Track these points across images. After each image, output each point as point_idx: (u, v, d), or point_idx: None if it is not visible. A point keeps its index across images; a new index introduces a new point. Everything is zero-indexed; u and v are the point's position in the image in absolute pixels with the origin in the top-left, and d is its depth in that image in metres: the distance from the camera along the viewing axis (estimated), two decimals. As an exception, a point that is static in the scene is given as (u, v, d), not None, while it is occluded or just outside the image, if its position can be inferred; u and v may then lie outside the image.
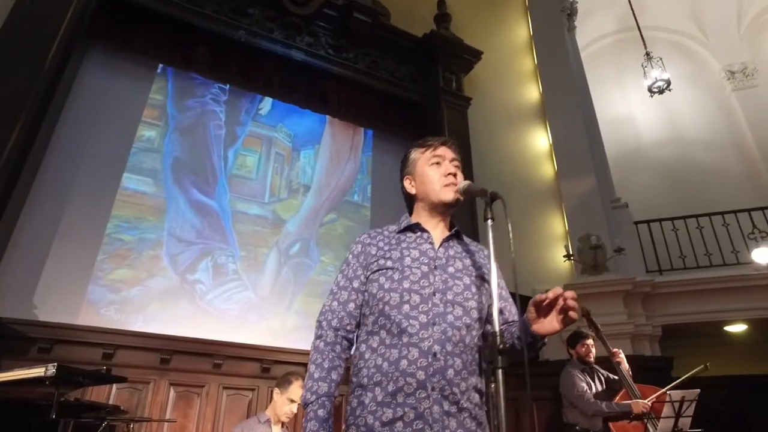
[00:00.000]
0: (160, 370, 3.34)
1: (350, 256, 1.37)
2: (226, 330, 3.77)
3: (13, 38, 3.37)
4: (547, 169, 5.63)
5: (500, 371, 0.96)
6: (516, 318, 1.32)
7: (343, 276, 1.35)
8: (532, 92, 6.10)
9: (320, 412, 1.16)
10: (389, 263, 1.29)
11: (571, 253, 4.86)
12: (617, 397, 3.08)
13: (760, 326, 5.11)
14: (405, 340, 1.18)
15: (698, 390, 2.69)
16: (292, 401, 2.65)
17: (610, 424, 3.00)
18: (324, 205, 4.86)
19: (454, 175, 1.36)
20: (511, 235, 1.04)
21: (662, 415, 2.72)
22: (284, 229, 4.51)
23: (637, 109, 8.13)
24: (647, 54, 6.17)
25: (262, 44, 4.75)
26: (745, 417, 4.83)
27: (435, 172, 1.36)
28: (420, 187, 1.39)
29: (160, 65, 4.48)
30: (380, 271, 1.29)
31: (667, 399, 2.70)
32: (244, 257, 4.19)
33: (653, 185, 7.38)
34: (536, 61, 6.19)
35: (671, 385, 2.93)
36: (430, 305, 1.21)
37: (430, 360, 1.15)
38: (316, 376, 1.21)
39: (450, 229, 1.39)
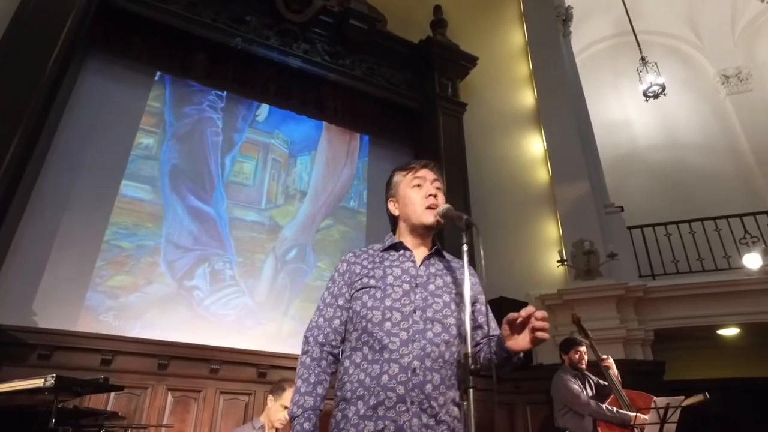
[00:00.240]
0: (157, 375, 3.38)
1: (336, 274, 1.44)
2: (223, 335, 3.83)
3: (13, 47, 3.43)
4: (542, 174, 5.68)
5: (471, 390, 1.01)
6: (495, 333, 1.37)
7: (329, 293, 1.42)
8: (527, 98, 6.15)
9: (306, 425, 1.22)
10: (372, 282, 1.35)
11: (564, 258, 4.92)
12: (606, 403, 3.13)
13: (752, 330, 5.17)
14: (386, 356, 1.24)
15: (683, 397, 2.73)
16: (286, 408, 2.68)
17: (599, 429, 3.05)
18: (320, 210, 4.91)
19: (435, 196, 1.42)
20: (483, 263, 1.09)
21: (648, 422, 2.77)
22: (281, 235, 4.57)
23: (632, 113, 8.19)
24: (643, 58, 6.24)
25: (259, 51, 4.81)
26: (736, 419, 4.89)
27: (416, 195, 1.43)
28: (402, 209, 1.46)
29: (158, 73, 4.54)
30: (364, 290, 1.35)
31: (653, 405, 2.75)
32: (241, 263, 4.25)
33: (648, 188, 7.44)
34: (531, 67, 6.24)
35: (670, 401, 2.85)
36: (410, 322, 1.28)
37: (409, 375, 1.21)
38: (302, 390, 1.28)
39: (431, 248, 1.46)
